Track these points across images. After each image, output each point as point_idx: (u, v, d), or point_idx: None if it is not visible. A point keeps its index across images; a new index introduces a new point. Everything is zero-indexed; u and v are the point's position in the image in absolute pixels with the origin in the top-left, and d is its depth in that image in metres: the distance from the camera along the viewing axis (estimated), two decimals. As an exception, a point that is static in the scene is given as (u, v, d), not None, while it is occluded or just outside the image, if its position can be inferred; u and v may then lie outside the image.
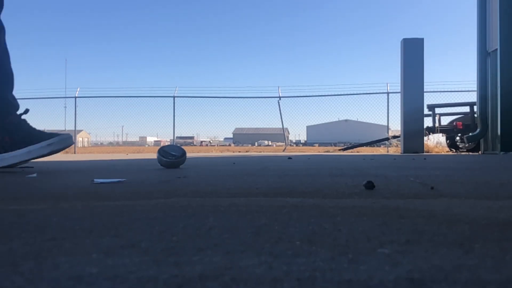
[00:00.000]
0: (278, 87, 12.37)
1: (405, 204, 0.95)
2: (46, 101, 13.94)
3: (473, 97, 8.48)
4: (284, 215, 0.81)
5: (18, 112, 2.30)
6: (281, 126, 12.59)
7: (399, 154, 7.35)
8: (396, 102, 10.74)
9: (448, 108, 9.43)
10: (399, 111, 8.78)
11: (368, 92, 11.93)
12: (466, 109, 8.89)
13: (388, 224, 0.71)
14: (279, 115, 12.44)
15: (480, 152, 7.72)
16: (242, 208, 0.91)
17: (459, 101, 9.70)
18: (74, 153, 10.62)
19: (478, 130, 7.56)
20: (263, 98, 13.02)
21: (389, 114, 11.12)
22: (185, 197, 1.11)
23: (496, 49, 6.82)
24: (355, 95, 12.28)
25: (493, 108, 7.11)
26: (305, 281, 0.41)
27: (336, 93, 12.47)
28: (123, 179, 1.67)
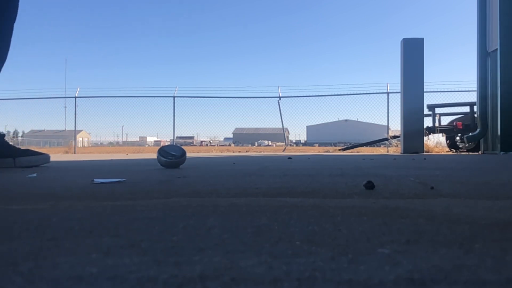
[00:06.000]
0: (278, 87, 12.37)
1: (405, 204, 0.95)
2: (46, 101, 13.95)
3: (473, 97, 8.49)
4: (284, 215, 0.81)
5: None
6: (281, 126, 12.58)
7: (399, 154, 7.35)
8: (396, 102, 10.74)
9: (448, 108, 9.43)
10: (399, 111, 8.79)
11: (368, 92, 11.93)
12: (466, 109, 8.89)
13: (388, 224, 0.71)
14: (279, 115, 12.44)
15: (480, 152, 7.72)
16: (242, 208, 0.91)
17: (459, 101, 9.70)
18: (74, 153, 10.62)
19: (478, 130, 7.56)
20: (263, 98, 13.02)
21: (389, 114, 11.13)
22: (185, 197, 1.11)
23: (496, 49, 6.82)
24: (355, 95, 12.28)
25: (493, 108, 7.11)
26: (305, 281, 0.41)
27: (336, 93, 12.47)
28: (123, 179, 1.67)
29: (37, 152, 2.83)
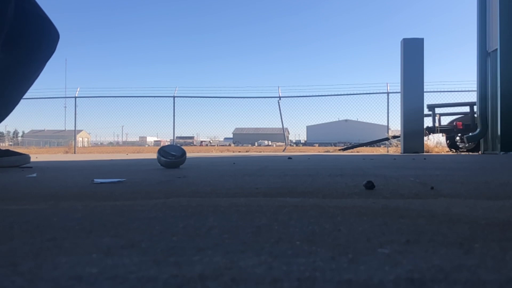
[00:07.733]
0: (278, 87, 12.38)
1: (405, 204, 0.95)
2: (46, 101, 13.96)
3: (473, 97, 8.49)
4: (284, 215, 0.81)
5: None
6: (281, 126, 12.58)
7: (399, 154, 7.35)
8: (396, 102, 10.75)
9: (448, 108, 9.43)
10: (399, 111, 8.79)
11: (368, 92, 11.93)
12: (466, 109, 8.89)
13: (388, 224, 0.71)
14: (279, 115, 12.44)
15: (480, 152, 7.72)
16: (242, 208, 0.91)
17: (459, 101, 9.70)
18: (74, 153, 10.62)
19: (478, 130, 7.56)
20: (263, 98, 13.02)
21: (389, 114, 11.13)
22: (185, 197, 1.11)
23: (496, 49, 6.82)
24: (355, 95, 12.28)
25: (493, 108, 7.11)
26: (305, 281, 0.41)
27: (336, 93, 12.47)
28: (123, 179, 1.67)
29: (17, 152, 2.86)
